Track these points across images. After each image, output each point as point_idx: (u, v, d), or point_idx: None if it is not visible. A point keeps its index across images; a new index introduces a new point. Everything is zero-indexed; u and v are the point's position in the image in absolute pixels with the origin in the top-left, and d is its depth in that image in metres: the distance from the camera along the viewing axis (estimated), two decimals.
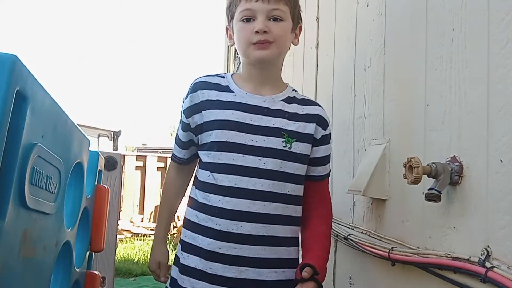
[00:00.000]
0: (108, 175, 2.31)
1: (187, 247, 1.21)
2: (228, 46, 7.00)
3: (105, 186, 1.73)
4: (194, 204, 1.23)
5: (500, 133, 0.84)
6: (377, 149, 1.35)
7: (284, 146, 1.18)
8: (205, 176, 1.20)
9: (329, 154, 1.28)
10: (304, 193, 1.23)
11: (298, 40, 1.28)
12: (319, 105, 1.29)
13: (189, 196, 1.27)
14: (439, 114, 1.05)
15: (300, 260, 1.20)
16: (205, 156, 1.22)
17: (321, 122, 1.24)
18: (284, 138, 1.18)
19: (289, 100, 1.24)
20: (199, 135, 1.24)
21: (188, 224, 1.23)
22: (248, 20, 1.17)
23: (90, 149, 1.53)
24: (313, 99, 1.33)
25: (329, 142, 1.27)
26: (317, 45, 2.10)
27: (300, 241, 1.25)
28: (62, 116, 1.18)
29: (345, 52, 1.74)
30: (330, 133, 1.27)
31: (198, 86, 1.24)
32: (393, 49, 1.33)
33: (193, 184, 1.28)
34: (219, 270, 1.14)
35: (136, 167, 8.53)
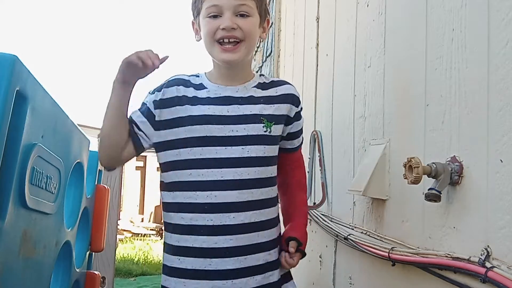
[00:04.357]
0: (108, 175, 2.31)
1: (178, 251, 1.18)
2: None
3: (105, 186, 1.73)
4: (174, 207, 1.19)
5: (500, 133, 0.84)
6: (377, 149, 1.35)
7: (265, 131, 1.20)
8: (185, 175, 1.17)
9: (302, 127, 1.33)
10: (280, 162, 1.28)
11: (266, 34, 1.28)
12: (289, 83, 1.31)
13: (163, 202, 1.22)
14: (439, 114, 1.05)
15: (283, 228, 1.28)
16: (174, 155, 1.18)
17: (295, 100, 1.27)
18: (263, 123, 1.20)
19: (261, 85, 1.25)
20: (157, 131, 1.19)
21: (174, 228, 1.19)
22: (215, 16, 1.16)
23: (90, 149, 1.54)
24: (281, 78, 1.35)
25: (301, 117, 1.31)
26: (317, 45, 2.10)
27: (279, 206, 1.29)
28: (62, 116, 1.18)
29: (345, 52, 1.74)
30: (301, 108, 1.31)
31: (174, 82, 1.22)
32: (393, 49, 1.33)
33: (163, 190, 1.22)
34: (218, 265, 1.14)
35: (136, 167, 8.53)
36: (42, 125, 0.99)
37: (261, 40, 1.29)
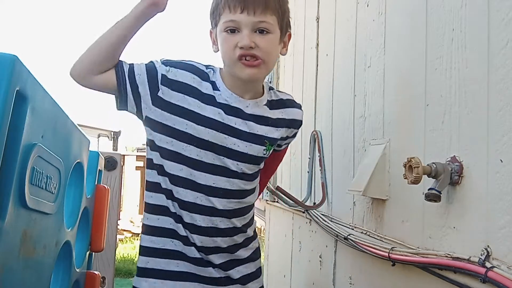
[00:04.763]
0: (108, 175, 2.31)
1: (164, 253, 1.18)
2: None
3: (105, 186, 1.73)
4: (159, 189, 1.18)
5: (500, 133, 0.84)
6: (377, 149, 1.35)
7: (264, 154, 1.21)
8: (176, 168, 1.15)
9: None
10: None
11: (286, 49, 1.23)
12: (298, 107, 1.30)
13: (148, 181, 1.20)
14: (439, 114, 1.05)
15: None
16: (166, 142, 1.15)
17: (298, 125, 1.30)
18: (265, 146, 1.20)
19: (271, 104, 1.23)
20: (154, 107, 1.14)
21: (153, 230, 1.21)
22: (232, 31, 1.10)
23: (90, 149, 1.53)
24: (289, 94, 1.32)
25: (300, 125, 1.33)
26: (317, 45, 2.10)
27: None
28: (62, 116, 1.18)
29: (345, 52, 1.74)
30: (301, 122, 1.33)
31: (192, 69, 1.17)
32: (393, 49, 1.33)
33: (149, 169, 1.20)
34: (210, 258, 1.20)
35: (136, 167, 8.53)
36: (42, 125, 0.99)
37: (281, 55, 1.25)
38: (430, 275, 1.02)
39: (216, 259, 1.20)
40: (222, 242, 1.20)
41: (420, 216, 1.10)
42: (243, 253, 1.26)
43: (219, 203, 1.17)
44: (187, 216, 1.16)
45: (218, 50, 1.18)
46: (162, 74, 1.14)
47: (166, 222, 1.18)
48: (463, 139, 0.96)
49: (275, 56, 1.17)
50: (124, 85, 1.13)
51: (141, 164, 8.54)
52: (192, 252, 1.18)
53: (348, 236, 1.47)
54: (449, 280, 0.96)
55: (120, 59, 1.14)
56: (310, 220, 2.02)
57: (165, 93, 1.14)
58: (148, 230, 1.23)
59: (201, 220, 1.16)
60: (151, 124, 1.17)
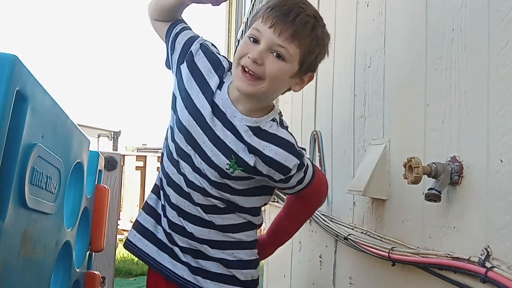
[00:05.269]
0: (108, 175, 2.31)
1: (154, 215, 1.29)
2: (227, 46, 6.99)
3: (105, 186, 1.72)
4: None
5: (500, 133, 0.84)
6: (377, 149, 1.35)
7: (227, 169, 1.13)
8: (166, 147, 1.27)
9: (300, 179, 1.21)
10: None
11: (300, 88, 1.16)
12: (292, 152, 1.14)
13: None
14: (439, 114, 1.05)
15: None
16: (173, 118, 1.24)
17: (280, 168, 1.14)
18: (230, 161, 1.13)
19: (256, 131, 1.13)
20: (175, 75, 1.24)
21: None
22: (254, 40, 1.07)
23: (90, 149, 1.53)
24: (286, 133, 1.17)
25: (294, 175, 1.18)
26: None
27: None
28: (62, 116, 1.18)
29: (345, 52, 1.74)
30: (293, 174, 1.17)
31: (216, 62, 1.21)
32: (393, 49, 1.33)
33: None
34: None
35: (136, 167, 8.52)
36: (42, 125, 0.99)
37: (292, 90, 1.19)
38: (430, 275, 1.02)
39: (180, 241, 1.24)
40: (189, 226, 1.23)
41: (420, 216, 1.10)
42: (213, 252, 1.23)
43: (186, 186, 1.21)
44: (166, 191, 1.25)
45: None
46: (191, 51, 1.21)
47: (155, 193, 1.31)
48: (463, 139, 0.96)
49: (278, 84, 1.11)
50: (167, 43, 1.27)
51: (141, 164, 8.54)
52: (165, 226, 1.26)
53: (348, 236, 1.47)
54: (449, 280, 0.96)
55: (180, 17, 1.29)
56: (310, 220, 2.02)
57: (183, 68, 1.21)
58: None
59: (173, 197, 1.23)
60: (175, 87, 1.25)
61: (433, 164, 0.97)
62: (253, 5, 4.26)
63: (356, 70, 1.60)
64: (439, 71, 1.06)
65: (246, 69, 1.06)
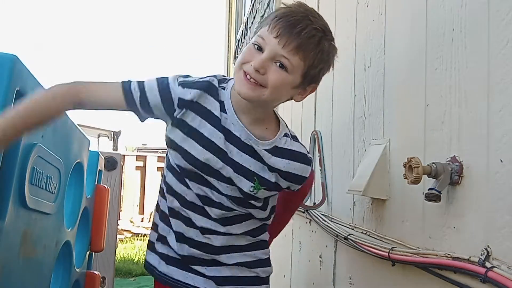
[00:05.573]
0: (108, 175, 2.31)
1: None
2: (228, 47, 6.99)
3: (105, 186, 1.73)
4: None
5: (500, 133, 0.84)
6: (377, 149, 1.35)
7: (251, 191, 1.14)
8: (174, 182, 1.18)
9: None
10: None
11: (302, 98, 1.15)
12: (308, 162, 1.18)
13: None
14: (439, 114, 1.05)
15: None
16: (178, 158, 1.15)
17: (298, 180, 1.17)
18: (254, 183, 1.13)
19: (273, 151, 1.14)
20: (172, 126, 1.14)
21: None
22: (258, 48, 1.05)
23: (90, 149, 1.53)
24: (299, 145, 1.19)
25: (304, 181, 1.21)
26: None
27: None
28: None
29: (345, 52, 1.74)
30: (306, 178, 1.20)
31: (206, 87, 1.13)
32: (393, 49, 1.33)
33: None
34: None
35: (136, 167, 8.53)
36: None
37: (293, 100, 1.17)
38: (430, 275, 1.02)
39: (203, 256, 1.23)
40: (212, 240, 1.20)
41: (420, 216, 1.10)
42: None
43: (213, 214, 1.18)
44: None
45: None
46: (179, 98, 1.11)
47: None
48: (463, 139, 0.96)
49: (281, 95, 1.10)
50: (136, 109, 1.11)
51: (141, 164, 8.54)
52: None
53: (348, 236, 1.47)
54: (449, 280, 0.96)
55: (124, 80, 1.11)
56: (310, 220, 2.02)
57: (181, 114, 1.12)
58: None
59: (197, 219, 1.18)
60: (170, 142, 1.16)
61: (433, 164, 0.97)
62: (253, 5, 4.26)
63: (356, 70, 1.60)
64: (439, 71, 1.06)
65: (248, 76, 1.05)
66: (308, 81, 1.10)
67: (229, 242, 1.20)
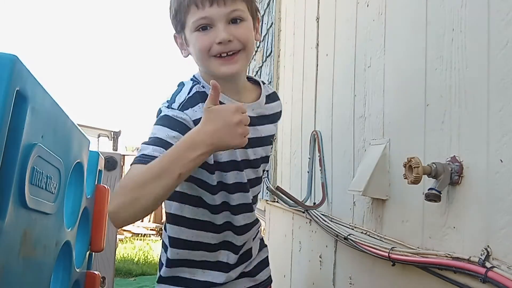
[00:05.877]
0: (108, 175, 2.31)
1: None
2: None
3: (105, 186, 1.73)
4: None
5: (500, 133, 0.84)
6: (377, 149, 1.35)
7: (271, 152, 1.25)
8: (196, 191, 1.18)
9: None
10: None
11: (259, 35, 1.19)
12: (279, 98, 1.32)
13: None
14: (439, 114, 1.05)
15: None
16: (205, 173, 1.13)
17: (279, 115, 1.31)
18: (272, 144, 1.25)
19: (268, 99, 1.24)
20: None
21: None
22: (204, 28, 1.04)
23: (90, 149, 1.53)
24: (269, 86, 1.33)
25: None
26: (317, 45, 2.10)
27: None
28: (62, 116, 1.18)
29: (345, 52, 1.74)
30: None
31: (200, 98, 1.09)
32: (393, 49, 1.33)
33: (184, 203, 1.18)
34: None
35: None
36: (42, 125, 0.99)
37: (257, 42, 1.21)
38: (430, 275, 1.02)
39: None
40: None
41: (420, 216, 1.10)
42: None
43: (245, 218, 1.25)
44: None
45: (189, 54, 1.12)
46: (193, 121, 1.05)
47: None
48: (463, 139, 0.96)
49: (253, 43, 1.12)
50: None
51: None
52: None
53: (348, 236, 1.47)
54: (449, 280, 0.96)
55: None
56: (310, 220, 2.02)
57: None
58: None
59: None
60: None
61: (433, 164, 0.97)
62: None
63: (356, 70, 1.60)
64: (439, 71, 1.06)
65: (222, 54, 1.05)
66: (255, 15, 1.14)
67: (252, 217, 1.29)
